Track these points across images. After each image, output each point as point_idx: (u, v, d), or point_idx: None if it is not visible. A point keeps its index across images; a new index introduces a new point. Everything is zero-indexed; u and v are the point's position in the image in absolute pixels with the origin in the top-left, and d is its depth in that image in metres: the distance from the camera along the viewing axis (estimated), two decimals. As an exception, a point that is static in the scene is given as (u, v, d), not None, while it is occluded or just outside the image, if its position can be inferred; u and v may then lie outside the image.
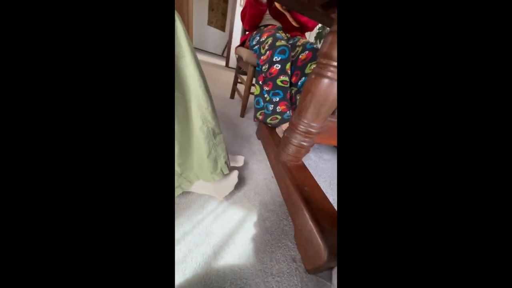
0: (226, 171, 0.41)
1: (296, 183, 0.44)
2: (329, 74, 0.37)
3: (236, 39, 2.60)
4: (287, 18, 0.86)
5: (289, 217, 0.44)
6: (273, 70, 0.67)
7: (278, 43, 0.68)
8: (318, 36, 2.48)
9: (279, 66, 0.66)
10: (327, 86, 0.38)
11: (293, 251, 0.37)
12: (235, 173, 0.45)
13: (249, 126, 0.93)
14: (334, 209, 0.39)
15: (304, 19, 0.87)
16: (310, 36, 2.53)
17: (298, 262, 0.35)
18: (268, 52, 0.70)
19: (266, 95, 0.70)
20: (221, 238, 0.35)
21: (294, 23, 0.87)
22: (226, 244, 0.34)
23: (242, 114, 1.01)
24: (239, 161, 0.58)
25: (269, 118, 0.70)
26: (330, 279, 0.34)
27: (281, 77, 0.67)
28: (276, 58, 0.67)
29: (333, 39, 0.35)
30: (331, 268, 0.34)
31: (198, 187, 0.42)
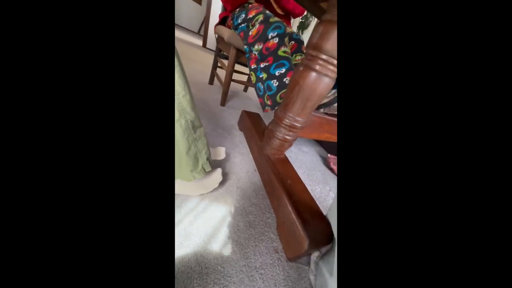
0: (208, 168, 0.38)
1: (279, 176, 0.44)
2: (317, 67, 0.36)
3: (215, 15, 2.31)
4: (271, 4, 0.79)
5: (272, 210, 0.45)
6: (270, 44, 0.58)
7: (271, 19, 0.60)
8: (301, 26, 2.45)
9: (277, 39, 0.58)
10: (315, 80, 0.37)
11: (276, 242, 0.38)
12: (219, 171, 0.42)
13: (231, 115, 0.88)
14: (314, 201, 0.41)
15: (290, 6, 0.82)
16: (293, 25, 2.48)
17: (280, 252, 0.37)
18: (259, 26, 0.61)
19: (262, 74, 0.60)
20: (203, 238, 0.33)
21: (279, 11, 0.81)
22: (208, 244, 0.33)
23: (223, 103, 0.94)
24: (221, 153, 0.54)
25: (278, 96, 0.58)
26: (308, 264, 0.37)
27: (282, 48, 0.57)
28: (272, 33, 0.59)
29: (324, 29, 0.33)
30: (309, 255, 0.37)
31: (176, 187, 0.37)
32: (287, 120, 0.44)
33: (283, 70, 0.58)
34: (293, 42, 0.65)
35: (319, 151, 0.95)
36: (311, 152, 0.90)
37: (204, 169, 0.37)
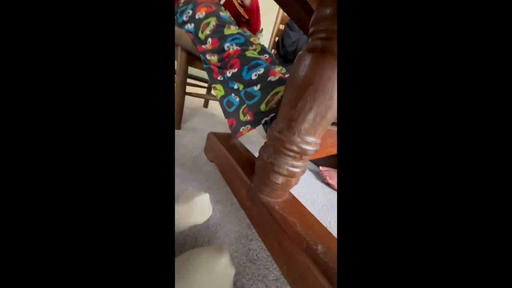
0: None
1: (305, 246, 0.25)
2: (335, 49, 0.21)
3: None
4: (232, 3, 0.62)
5: (302, 310, 0.24)
6: (232, 52, 0.45)
7: (227, 31, 0.46)
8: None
9: (238, 46, 0.45)
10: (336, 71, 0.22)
11: None
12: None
13: (192, 142, 0.64)
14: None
15: (253, 24, 0.71)
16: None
17: None
18: (211, 39, 0.47)
19: (236, 85, 0.44)
20: None
21: (241, 11, 0.66)
22: None
23: (178, 125, 0.68)
24: (201, 208, 0.28)
25: (264, 104, 0.39)
26: None
27: (250, 51, 0.45)
28: (229, 45, 0.45)
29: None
30: None
31: None
32: (293, 145, 0.27)
33: (261, 70, 0.41)
34: (267, 55, 0.51)
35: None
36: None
37: None
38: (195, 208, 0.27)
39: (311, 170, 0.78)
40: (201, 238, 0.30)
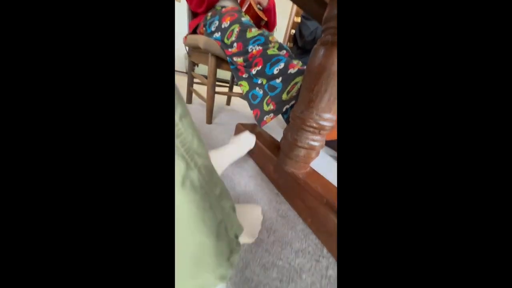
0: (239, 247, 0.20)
1: (323, 201, 0.32)
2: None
3: (181, 27, 1.89)
4: (252, 8, 0.70)
5: (327, 250, 0.31)
6: (255, 52, 0.53)
7: (249, 34, 0.54)
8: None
9: (260, 47, 0.52)
10: (347, 60, 0.27)
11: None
12: (258, 209, 0.34)
13: (222, 133, 0.74)
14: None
15: (269, 15, 0.77)
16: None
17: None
18: (237, 44, 0.55)
19: (260, 80, 0.52)
20: None
21: (260, 14, 0.73)
22: None
23: (209, 120, 0.80)
24: (247, 142, 0.47)
25: (285, 93, 0.47)
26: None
27: (271, 49, 0.52)
28: (252, 46, 0.53)
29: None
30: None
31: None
32: (312, 122, 0.33)
33: (282, 65, 0.48)
34: (284, 51, 0.57)
35: (326, 151, 0.87)
36: (320, 153, 0.80)
37: (233, 254, 0.18)
38: (241, 141, 0.46)
39: (332, 156, 0.81)
40: (242, 200, 0.39)
